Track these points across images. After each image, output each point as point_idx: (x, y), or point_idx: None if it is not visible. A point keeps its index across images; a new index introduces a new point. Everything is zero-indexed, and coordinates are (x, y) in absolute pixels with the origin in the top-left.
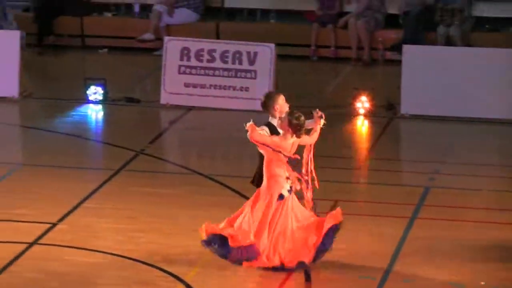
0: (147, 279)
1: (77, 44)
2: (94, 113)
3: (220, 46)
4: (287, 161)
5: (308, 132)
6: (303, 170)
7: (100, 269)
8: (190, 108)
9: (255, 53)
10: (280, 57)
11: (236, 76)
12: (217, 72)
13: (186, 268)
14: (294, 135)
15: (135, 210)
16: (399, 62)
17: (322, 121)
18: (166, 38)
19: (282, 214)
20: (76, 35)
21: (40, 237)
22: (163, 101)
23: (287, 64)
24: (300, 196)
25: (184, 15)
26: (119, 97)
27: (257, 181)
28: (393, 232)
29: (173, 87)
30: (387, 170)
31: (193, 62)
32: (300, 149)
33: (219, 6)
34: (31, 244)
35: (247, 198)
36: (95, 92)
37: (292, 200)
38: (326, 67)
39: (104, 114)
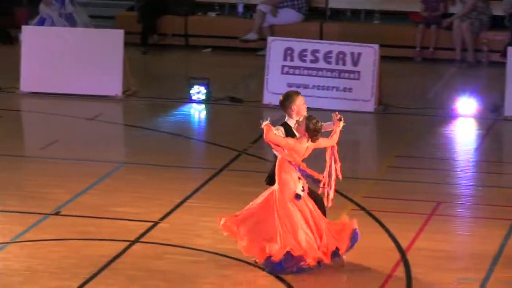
0: (248, 278)
1: (181, 44)
2: (197, 112)
3: (323, 46)
4: (299, 171)
5: (327, 135)
6: (325, 172)
7: (202, 268)
8: None
9: (359, 54)
10: (383, 58)
11: (339, 77)
12: (320, 73)
13: None
14: (310, 140)
15: (237, 209)
16: (503, 64)
17: (342, 124)
18: (269, 38)
19: (308, 210)
20: (180, 35)
21: (142, 235)
22: (265, 101)
23: (391, 65)
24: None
25: (288, 15)
26: (222, 97)
27: (269, 179)
28: (495, 234)
29: (276, 87)
30: (490, 172)
31: (297, 62)
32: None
33: (323, 7)
34: (133, 242)
35: (349, 199)
36: (198, 91)
37: (307, 198)
38: (429, 69)
39: (207, 113)
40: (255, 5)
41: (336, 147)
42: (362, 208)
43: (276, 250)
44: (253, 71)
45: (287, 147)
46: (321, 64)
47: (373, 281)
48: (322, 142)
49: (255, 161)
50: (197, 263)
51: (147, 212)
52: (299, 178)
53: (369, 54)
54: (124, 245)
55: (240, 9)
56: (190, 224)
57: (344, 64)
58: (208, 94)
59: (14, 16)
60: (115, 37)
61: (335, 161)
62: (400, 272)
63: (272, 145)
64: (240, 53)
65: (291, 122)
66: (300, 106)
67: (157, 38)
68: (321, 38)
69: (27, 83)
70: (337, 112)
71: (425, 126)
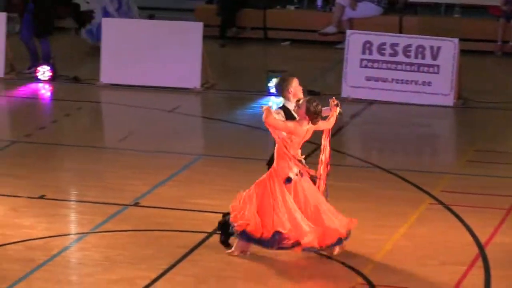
0: (326, 271)
1: (260, 37)
2: (275, 105)
3: (403, 40)
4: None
5: (324, 119)
6: (321, 157)
7: (280, 261)
8: (371, 102)
9: (438, 48)
10: (463, 52)
11: (418, 71)
12: (399, 66)
13: (364, 261)
14: (310, 122)
15: None
16: None
17: (338, 109)
18: (348, 32)
19: (293, 195)
20: (258, 28)
21: None
22: (344, 94)
23: (470, 59)
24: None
25: (367, 8)
26: None
27: (269, 162)
28: None
29: (355, 81)
30: None
31: (375, 56)
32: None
33: (403, 0)
34: (210, 234)
35: (427, 193)
36: None
37: (303, 183)
38: (510, 63)
39: None
40: None
41: (330, 132)
42: (440, 202)
43: (266, 229)
44: (332, 64)
45: (287, 131)
46: (400, 57)
47: (451, 275)
48: (321, 124)
49: (333, 155)
50: (274, 255)
51: (224, 204)
52: (300, 161)
53: (449, 48)
54: (201, 236)
55: (319, 2)
56: None
57: (423, 58)
58: None
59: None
60: (194, 29)
61: (329, 145)
62: (478, 266)
63: (271, 129)
64: (319, 46)
65: (289, 105)
66: (296, 88)
67: (236, 31)
68: (400, 32)
69: (106, 75)
70: (334, 98)
71: (506, 120)
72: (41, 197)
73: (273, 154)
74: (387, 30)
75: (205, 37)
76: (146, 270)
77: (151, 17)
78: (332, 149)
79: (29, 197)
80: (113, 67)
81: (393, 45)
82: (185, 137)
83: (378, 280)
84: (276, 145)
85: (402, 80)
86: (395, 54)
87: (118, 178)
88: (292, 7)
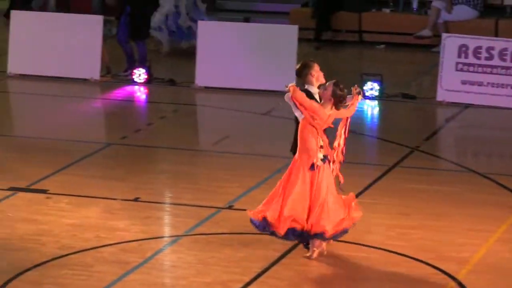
0: (419, 275)
1: (355, 40)
2: (370, 108)
3: (499, 43)
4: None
5: (345, 107)
6: (335, 143)
7: (372, 264)
8: (466, 106)
9: None
10: None
11: None
12: (495, 70)
13: (458, 266)
14: (334, 107)
15: (409, 206)
16: None
17: (360, 97)
18: (444, 35)
19: (316, 185)
20: (353, 31)
21: None
22: (439, 98)
23: None
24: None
25: (462, 12)
26: (395, 93)
27: (293, 148)
28: None
29: (450, 84)
30: None
31: (471, 59)
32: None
33: (499, 4)
34: None
35: None
36: (371, 87)
37: (326, 170)
38: None
39: (380, 109)
40: (429, 2)
41: (350, 120)
42: None
43: (257, 212)
44: (427, 67)
45: (311, 110)
46: (496, 61)
47: None
48: (343, 111)
49: (428, 159)
50: (367, 260)
51: None
52: (321, 147)
53: None
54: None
55: (415, 5)
56: (362, 220)
57: None
58: (381, 90)
59: None
60: (289, 32)
61: (345, 132)
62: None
63: (298, 104)
64: (414, 49)
65: (312, 89)
66: (319, 72)
67: (331, 34)
68: (496, 35)
69: (202, 78)
70: (356, 86)
71: None
72: (136, 199)
73: (295, 140)
74: (482, 34)
75: (300, 40)
76: (240, 274)
77: (246, 20)
78: (427, 153)
79: (123, 200)
80: (208, 70)
81: (489, 49)
82: (279, 140)
83: (472, 286)
84: (300, 125)
85: (497, 84)
86: (491, 57)
87: (212, 180)
88: (387, 10)
